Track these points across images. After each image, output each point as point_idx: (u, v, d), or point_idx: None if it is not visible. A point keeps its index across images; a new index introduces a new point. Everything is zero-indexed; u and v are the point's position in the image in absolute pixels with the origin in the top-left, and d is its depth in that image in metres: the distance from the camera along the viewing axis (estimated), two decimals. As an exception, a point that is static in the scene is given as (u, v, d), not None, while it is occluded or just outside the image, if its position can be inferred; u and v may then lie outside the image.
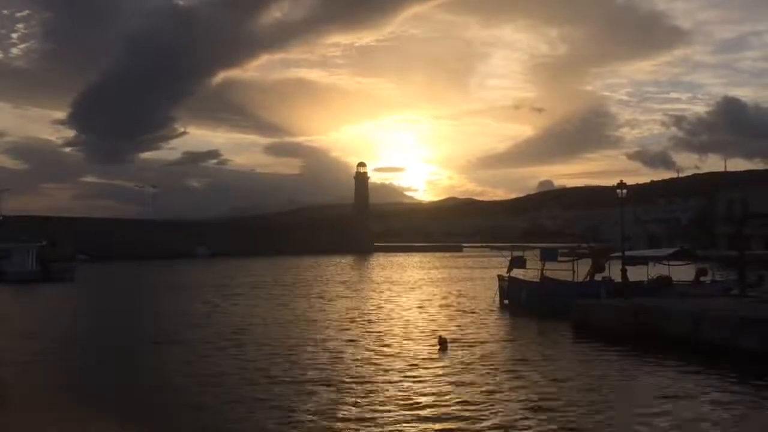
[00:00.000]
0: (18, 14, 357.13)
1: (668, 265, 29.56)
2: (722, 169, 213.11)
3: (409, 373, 14.90)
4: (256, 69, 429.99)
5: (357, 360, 16.60)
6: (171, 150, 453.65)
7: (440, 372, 15.09)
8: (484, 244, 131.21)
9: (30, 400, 12.05)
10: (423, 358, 16.75)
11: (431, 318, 25.36)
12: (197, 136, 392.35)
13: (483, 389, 13.31)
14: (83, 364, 16.29)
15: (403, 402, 12.33)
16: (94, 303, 34.72)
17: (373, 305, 30.29)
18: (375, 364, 16.10)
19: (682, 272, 30.32)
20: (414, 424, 10.92)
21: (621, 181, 28.94)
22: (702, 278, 28.71)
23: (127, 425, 10.52)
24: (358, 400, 12.43)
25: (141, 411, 11.53)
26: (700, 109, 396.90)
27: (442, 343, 18.29)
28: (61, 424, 10.39)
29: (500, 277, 30.29)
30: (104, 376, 14.75)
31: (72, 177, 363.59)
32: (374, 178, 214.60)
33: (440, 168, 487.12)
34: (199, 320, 24.20)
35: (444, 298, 33.88)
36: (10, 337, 20.35)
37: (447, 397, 12.64)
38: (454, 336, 19.88)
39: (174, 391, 12.90)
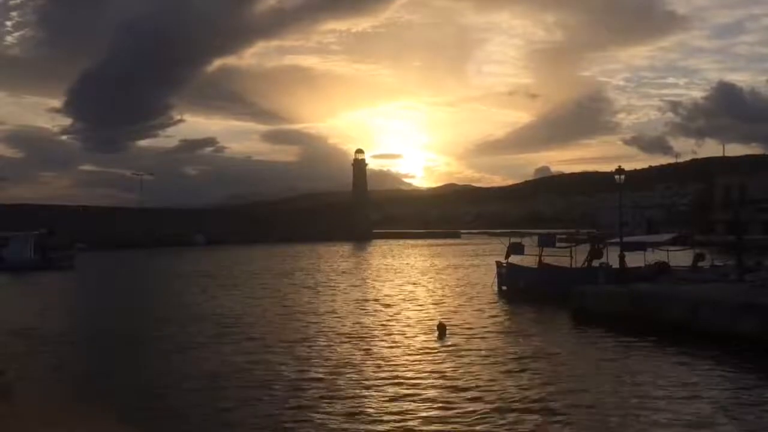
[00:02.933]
0: (12, 2, 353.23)
1: (666, 250, 29.59)
2: (720, 154, 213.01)
3: (407, 360, 14.96)
4: (252, 56, 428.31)
5: (356, 348, 16.65)
6: (168, 138, 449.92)
7: (438, 358, 15.14)
8: (482, 231, 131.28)
9: (34, 394, 12.02)
10: (421, 345, 16.81)
11: (429, 304, 25.40)
12: (194, 123, 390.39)
13: (481, 375, 13.36)
14: (86, 358, 16.13)
15: (401, 390, 12.38)
16: (93, 293, 34.68)
17: (371, 293, 30.33)
18: (374, 350, 16.18)
19: (680, 258, 30.35)
20: (412, 413, 10.95)
21: (619, 166, 28.83)
22: (700, 263, 28.72)
23: (130, 422, 10.49)
24: (357, 390, 12.48)
25: (144, 409, 11.43)
26: (697, 94, 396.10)
27: (441, 330, 18.34)
28: (66, 420, 10.37)
29: (498, 264, 30.32)
30: (107, 373, 14.48)
31: (69, 165, 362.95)
32: (372, 165, 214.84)
33: (438, 155, 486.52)
34: (198, 313, 23.66)
35: (442, 284, 33.91)
36: (11, 328, 20.20)
37: (445, 383, 12.70)
38: (452, 322, 19.92)
39: (175, 390, 12.76)
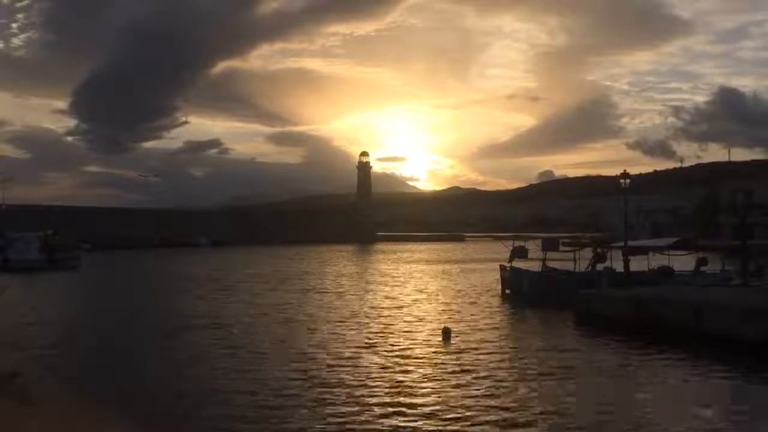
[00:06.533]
0: (18, 4, 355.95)
1: (668, 255, 29.51)
2: (725, 159, 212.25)
3: (412, 364, 15.02)
4: (256, 58, 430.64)
5: (360, 351, 16.72)
6: (172, 139, 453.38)
7: (443, 362, 15.19)
8: (486, 234, 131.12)
9: (49, 396, 12.05)
10: (426, 349, 16.86)
11: (434, 308, 25.41)
12: (198, 125, 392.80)
13: (484, 379, 13.38)
14: (94, 361, 16.11)
15: (404, 393, 12.43)
16: (98, 295, 34.76)
17: (376, 296, 30.35)
18: (378, 354, 16.23)
19: (685, 262, 30.26)
20: (413, 416, 10.98)
21: (624, 170, 28.84)
22: (702, 268, 28.65)
23: (141, 424, 10.52)
24: (359, 391, 12.52)
25: (151, 410, 11.46)
26: (701, 99, 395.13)
27: (446, 334, 18.35)
28: (81, 421, 10.40)
29: (502, 267, 30.31)
30: (115, 375, 14.39)
31: (74, 166, 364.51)
32: (376, 167, 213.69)
33: (442, 157, 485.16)
34: (201, 318, 23.15)
35: (446, 288, 33.92)
36: (20, 330, 20.18)
37: (447, 388, 12.73)
38: (456, 326, 19.93)
39: (181, 394, 12.78)
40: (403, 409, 11.26)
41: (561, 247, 29.96)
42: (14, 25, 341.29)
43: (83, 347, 17.74)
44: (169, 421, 10.81)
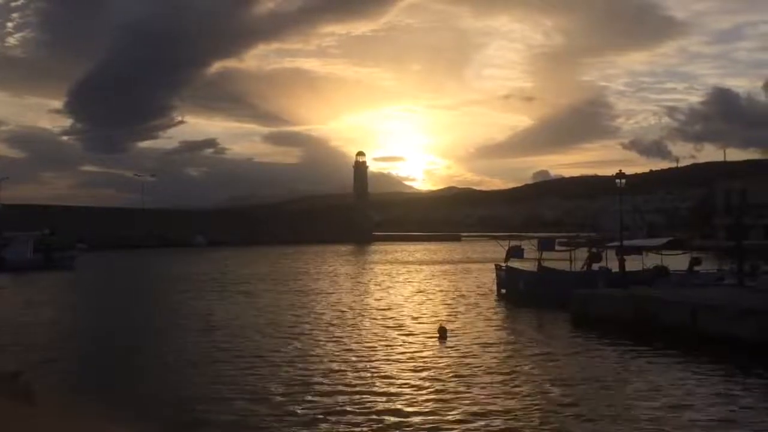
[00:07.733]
0: (13, 3, 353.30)
1: (661, 254, 29.61)
2: (720, 159, 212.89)
3: (408, 363, 15.07)
4: (252, 58, 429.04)
5: (357, 350, 16.75)
6: (169, 139, 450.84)
7: (439, 361, 15.23)
8: (482, 234, 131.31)
9: (53, 397, 12.06)
10: (422, 348, 16.91)
11: (430, 307, 25.47)
12: (195, 125, 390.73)
13: (479, 379, 13.43)
14: (95, 362, 16.03)
15: (399, 393, 12.47)
16: (96, 296, 34.73)
17: (372, 296, 30.39)
18: (375, 353, 16.27)
19: (680, 262, 30.34)
20: (408, 416, 11.03)
21: (620, 170, 29.01)
22: (696, 268, 28.73)
23: (142, 425, 10.55)
24: (356, 392, 12.57)
25: (151, 409, 11.47)
26: (696, 99, 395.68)
27: (442, 333, 18.42)
28: (85, 420, 10.42)
29: (498, 267, 30.38)
30: (116, 377, 14.33)
31: (70, 166, 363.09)
32: (373, 167, 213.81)
33: (439, 158, 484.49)
34: (200, 320, 22.60)
35: (442, 287, 33.98)
36: (22, 329, 20.21)
37: (442, 388, 12.77)
38: (452, 326, 20.00)
39: (181, 397, 12.80)
40: (399, 409, 11.30)
41: (557, 247, 30.04)
42: (10, 25, 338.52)
43: (83, 347, 17.75)
44: (169, 421, 10.83)
